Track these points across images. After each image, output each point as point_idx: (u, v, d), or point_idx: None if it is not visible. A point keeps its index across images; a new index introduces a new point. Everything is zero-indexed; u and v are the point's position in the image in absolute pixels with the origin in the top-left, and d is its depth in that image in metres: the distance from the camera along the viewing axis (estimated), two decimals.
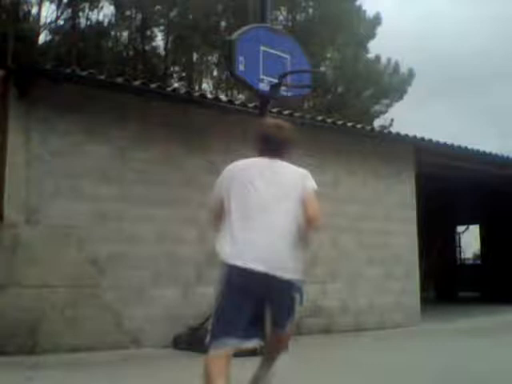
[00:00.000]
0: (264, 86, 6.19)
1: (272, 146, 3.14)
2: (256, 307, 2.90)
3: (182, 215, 6.54)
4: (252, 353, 5.66)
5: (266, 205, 2.93)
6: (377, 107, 22.63)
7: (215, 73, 22.93)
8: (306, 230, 3.04)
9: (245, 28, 6.34)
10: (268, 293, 2.88)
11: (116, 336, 5.95)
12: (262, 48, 6.19)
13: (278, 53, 6.34)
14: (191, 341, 5.93)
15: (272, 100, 6.54)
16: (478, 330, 8.17)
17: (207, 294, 6.51)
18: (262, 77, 6.16)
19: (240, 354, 5.55)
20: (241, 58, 5.95)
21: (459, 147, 9.30)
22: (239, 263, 2.81)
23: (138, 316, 6.10)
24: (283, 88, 6.38)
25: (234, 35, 6.16)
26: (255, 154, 3.20)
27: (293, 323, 3.13)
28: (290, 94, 6.64)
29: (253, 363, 5.25)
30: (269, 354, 3.43)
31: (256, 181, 2.99)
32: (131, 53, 22.11)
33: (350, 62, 20.61)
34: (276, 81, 6.21)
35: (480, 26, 57.38)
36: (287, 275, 2.87)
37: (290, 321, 3.07)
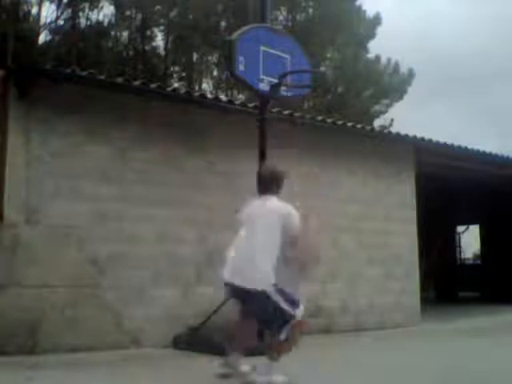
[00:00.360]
0: (264, 86, 6.17)
1: (262, 186, 4.24)
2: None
3: (182, 215, 6.54)
4: (251, 353, 5.67)
5: (252, 235, 3.99)
6: (377, 107, 22.64)
7: (215, 73, 22.94)
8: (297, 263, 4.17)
9: (245, 28, 6.32)
10: (249, 299, 3.88)
11: (116, 336, 5.95)
12: (262, 48, 6.18)
13: (278, 53, 6.33)
14: (191, 341, 5.93)
15: (272, 100, 6.53)
16: (477, 329, 8.17)
17: (207, 294, 6.53)
18: (262, 77, 6.14)
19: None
20: (241, 58, 5.94)
21: (459, 147, 9.29)
22: (226, 277, 4.01)
23: (138, 316, 6.10)
24: (283, 88, 6.38)
25: (234, 35, 6.15)
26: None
27: (287, 332, 3.87)
28: (290, 94, 6.63)
29: (251, 362, 5.25)
30: (269, 354, 4.04)
31: (250, 218, 4.10)
32: (131, 53, 22.11)
33: (350, 62, 20.61)
34: (276, 81, 6.20)
35: (480, 26, 57.50)
36: (261, 286, 3.82)
37: (276, 326, 3.89)
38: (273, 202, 4.12)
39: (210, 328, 5.97)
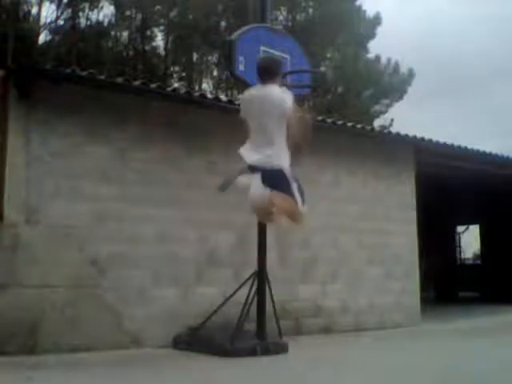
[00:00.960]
0: None
1: (261, 74, 4.53)
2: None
3: (182, 215, 6.54)
4: (252, 353, 5.68)
5: (257, 121, 4.34)
6: (377, 107, 22.67)
7: (215, 73, 22.97)
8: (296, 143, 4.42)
9: (245, 28, 6.31)
10: (266, 175, 4.22)
11: (116, 336, 5.95)
12: (262, 48, 6.17)
13: (278, 53, 6.32)
14: (191, 341, 5.93)
15: None
16: (478, 329, 8.17)
17: (207, 294, 6.54)
18: None
19: (240, 353, 5.55)
20: (241, 58, 5.93)
21: (459, 147, 9.29)
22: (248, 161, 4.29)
23: (138, 316, 6.10)
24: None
25: (234, 35, 6.14)
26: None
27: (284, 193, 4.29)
28: (294, 93, 6.56)
29: (251, 362, 5.26)
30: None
31: (253, 105, 4.39)
32: (131, 53, 22.13)
33: (350, 61, 20.62)
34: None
35: (480, 25, 57.47)
36: (270, 165, 4.24)
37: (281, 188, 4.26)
38: (272, 89, 4.42)
39: (210, 328, 5.97)
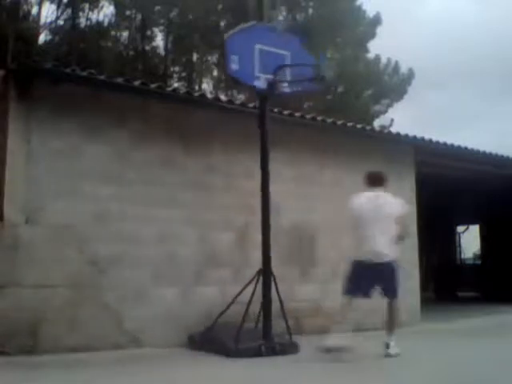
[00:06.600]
0: (260, 84, 6.07)
1: (373, 181, 5.78)
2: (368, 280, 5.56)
3: (182, 215, 6.55)
4: (257, 353, 5.65)
5: (372, 221, 5.57)
6: (377, 107, 22.62)
7: (215, 73, 22.92)
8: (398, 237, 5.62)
9: (239, 27, 6.24)
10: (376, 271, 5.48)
11: (116, 336, 5.95)
12: (258, 46, 6.09)
13: (277, 50, 6.23)
14: (196, 341, 5.93)
15: (272, 98, 6.42)
16: (478, 329, 8.17)
17: (207, 294, 6.54)
18: (258, 74, 6.04)
19: (244, 354, 5.54)
20: (234, 57, 5.90)
21: (459, 147, 9.30)
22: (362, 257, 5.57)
23: (138, 316, 6.10)
24: (284, 85, 6.29)
25: (227, 34, 6.12)
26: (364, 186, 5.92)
27: (395, 293, 5.69)
28: (290, 90, 6.46)
29: (253, 362, 5.26)
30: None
31: (366, 206, 5.71)
32: (131, 53, 22.10)
33: (350, 61, 20.60)
34: (275, 78, 6.10)
35: (480, 23, 57.31)
36: (384, 260, 5.46)
37: (392, 290, 5.59)
38: (388, 198, 5.68)
39: (215, 328, 5.95)
